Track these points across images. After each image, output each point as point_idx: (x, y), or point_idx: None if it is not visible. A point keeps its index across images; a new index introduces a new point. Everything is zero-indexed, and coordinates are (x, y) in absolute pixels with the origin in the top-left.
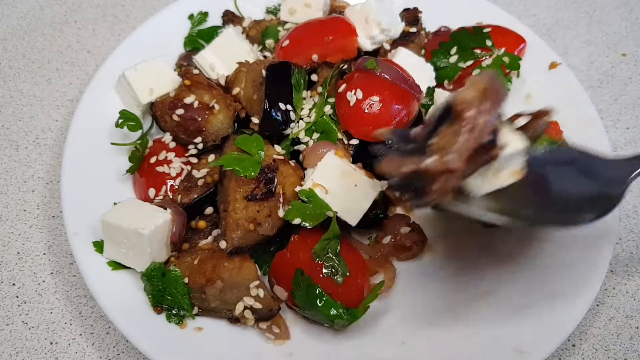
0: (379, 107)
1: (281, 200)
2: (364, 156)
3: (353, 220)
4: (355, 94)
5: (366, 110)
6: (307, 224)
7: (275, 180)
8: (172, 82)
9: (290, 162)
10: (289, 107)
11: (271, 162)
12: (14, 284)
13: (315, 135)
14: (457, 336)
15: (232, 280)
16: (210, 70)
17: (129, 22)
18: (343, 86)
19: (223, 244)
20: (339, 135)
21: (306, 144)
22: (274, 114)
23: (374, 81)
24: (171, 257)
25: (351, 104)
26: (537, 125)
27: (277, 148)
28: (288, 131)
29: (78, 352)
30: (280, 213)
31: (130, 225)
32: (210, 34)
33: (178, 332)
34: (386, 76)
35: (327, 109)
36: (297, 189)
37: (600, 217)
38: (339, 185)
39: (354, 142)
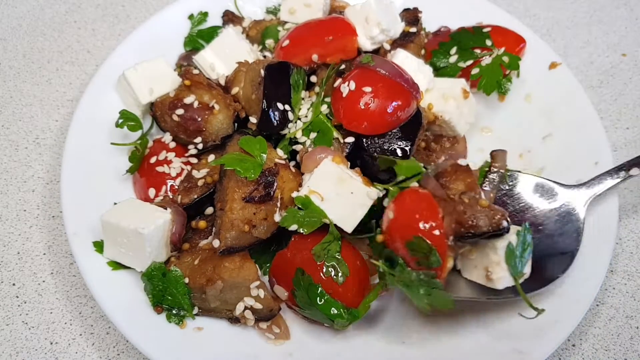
0: (371, 98)
1: (278, 204)
2: (360, 155)
3: (348, 228)
4: (348, 85)
5: (359, 102)
6: (303, 231)
7: (275, 184)
8: (172, 82)
9: (291, 167)
10: (287, 107)
11: (272, 165)
12: (14, 284)
13: (312, 135)
14: (456, 337)
15: (233, 281)
16: (210, 70)
17: (129, 22)
18: (339, 81)
19: (216, 243)
20: (335, 135)
21: (303, 144)
22: (271, 113)
23: (368, 74)
24: (171, 257)
25: (344, 95)
26: (500, 161)
27: (280, 152)
28: (285, 131)
29: (78, 352)
30: (277, 218)
31: (130, 225)
32: (210, 34)
33: (178, 332)
34: (381, 70)
35: (324, 109)
36: (294, 194)
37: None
38: (335, 192)
39: (350, 139)
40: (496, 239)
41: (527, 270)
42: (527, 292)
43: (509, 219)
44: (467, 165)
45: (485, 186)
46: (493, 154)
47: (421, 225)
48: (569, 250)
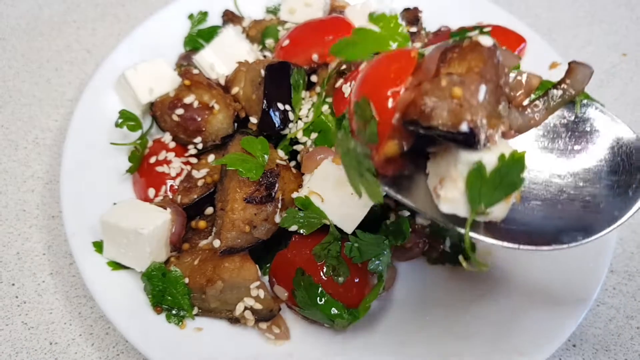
0: None
1: (279, 206)
2: None
3: (349, 229)
4: (350, 85)
5: None
6: (303, 231)
7: (277, 185)
8: (172, 82)
9: (292, 169)
10: (287, 107)
11: (274, 167)
12: (13, 284)
13: (313, 135)
14: (456, 337)
15: (233, 281)
16: (210, 70)
17: (128, 22)
18: (340, 81)
19: (217, 243)
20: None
21: (304, 144)
22: (272, 113)
23: None
24: (171, 257)
25: (346, 95)
26: (575, 80)
27: (281, 153)
28: (286, 131)
29: (78, 352)
30: (277, 218)
31: (130, 225)
32: (210, 34)
33: (178, 333)
34: None
35: (325, 109)
36: (294, 195)
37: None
38: (335, 193)
39: None
40: (463, 150)
41: (500, 214)
42: (500, 239)
43: (479, 126)
44: (492, 47)
45: (537, 104)
46: (572, 65)
47: (376, 86)
48: (588, 226)
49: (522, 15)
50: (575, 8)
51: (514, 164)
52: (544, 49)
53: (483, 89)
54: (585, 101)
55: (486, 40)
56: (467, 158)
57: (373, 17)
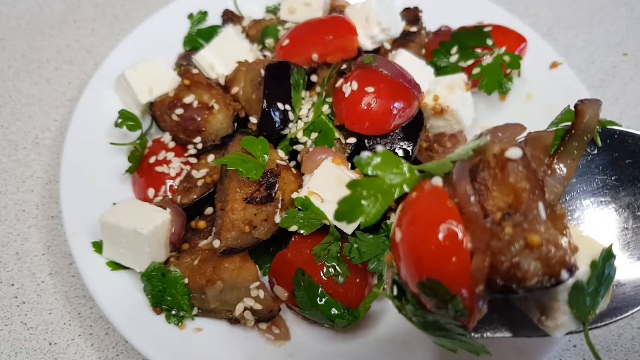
0: (373, 98)
1: (279, 206)
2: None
3: (348, 229)
4: (350, 85)
5: (362, 102)
6: (302, 232)
7: (277, 185)
8: (172, 82)
9: (292, 169)
10: (287, 107)
11: (274, 167)
12: (12, 284)
13: (313, 135)
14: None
15: (233, 281)
16: (210, 69)
17: (128, 22)
18: (340, 81)
19: (217, 243)
20: (337, 135)
21: (304, 144)
22: (272, 113)
23: (370, 74)
24: (171, 257)
25: (346, 95)
26: (587, 121)
27: (281, 153)
28: (286, 131)
29: (77, 352)
30: (277, 219)
31: (129, 225)
32: (209, 34)
33: (177, 333)
34: (383, 70)
35: (326, 109)
36: (294, 195)
37: None
38: (335, 193)
39: (351, 140)
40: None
41: (605, 305)
42: (611, 317)
43: (575, 262)
44: (522, 156)
45: (560, 158)
46: (579, 107)
47: (432, 260)
48: None
49: (522, 14)
50: (575, 8)
51: (606, 261)
52: (545, 49)
53: (542, 206)
54: (600, 129)
55: (514, 152)
56: (564, 286)
57: (362, 163)
